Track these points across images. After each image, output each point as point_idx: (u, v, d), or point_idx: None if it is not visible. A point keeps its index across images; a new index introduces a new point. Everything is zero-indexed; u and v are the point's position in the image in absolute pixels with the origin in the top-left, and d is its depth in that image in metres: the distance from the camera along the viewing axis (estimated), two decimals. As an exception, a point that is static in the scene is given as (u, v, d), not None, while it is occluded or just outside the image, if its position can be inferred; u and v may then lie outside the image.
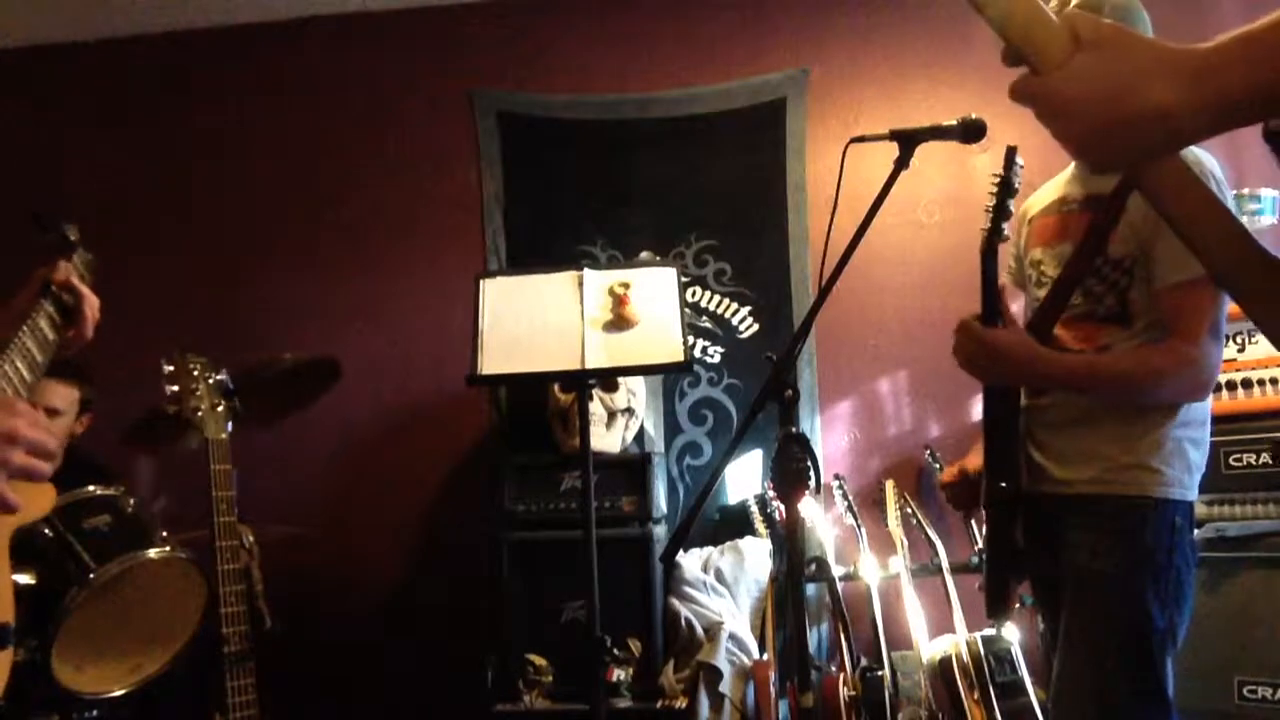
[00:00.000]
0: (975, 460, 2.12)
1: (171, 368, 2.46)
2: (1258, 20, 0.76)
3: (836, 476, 3.36)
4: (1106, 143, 0.81)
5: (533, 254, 3.77)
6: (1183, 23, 3.09)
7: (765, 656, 3.00)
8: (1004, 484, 1.93)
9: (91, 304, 1.61)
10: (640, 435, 3.40)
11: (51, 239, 1.64)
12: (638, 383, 3.32)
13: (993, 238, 1.89)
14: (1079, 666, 1.85)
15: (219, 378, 2.53)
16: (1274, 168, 3.14)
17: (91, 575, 2.21)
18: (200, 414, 2.45)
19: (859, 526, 3.19)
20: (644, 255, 3.54)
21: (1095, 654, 1.83)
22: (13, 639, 1.46)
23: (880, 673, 2.92)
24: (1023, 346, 1.81)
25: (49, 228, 1.64)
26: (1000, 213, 1.88)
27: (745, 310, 3.68)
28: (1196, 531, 2.56)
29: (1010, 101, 0.84)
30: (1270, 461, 2.63)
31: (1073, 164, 2.05)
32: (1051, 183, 2.11)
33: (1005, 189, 1.89)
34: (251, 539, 2.58)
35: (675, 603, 3.14)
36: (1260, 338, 2.75)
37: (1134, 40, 0.80)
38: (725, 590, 3.21)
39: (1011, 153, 1.89)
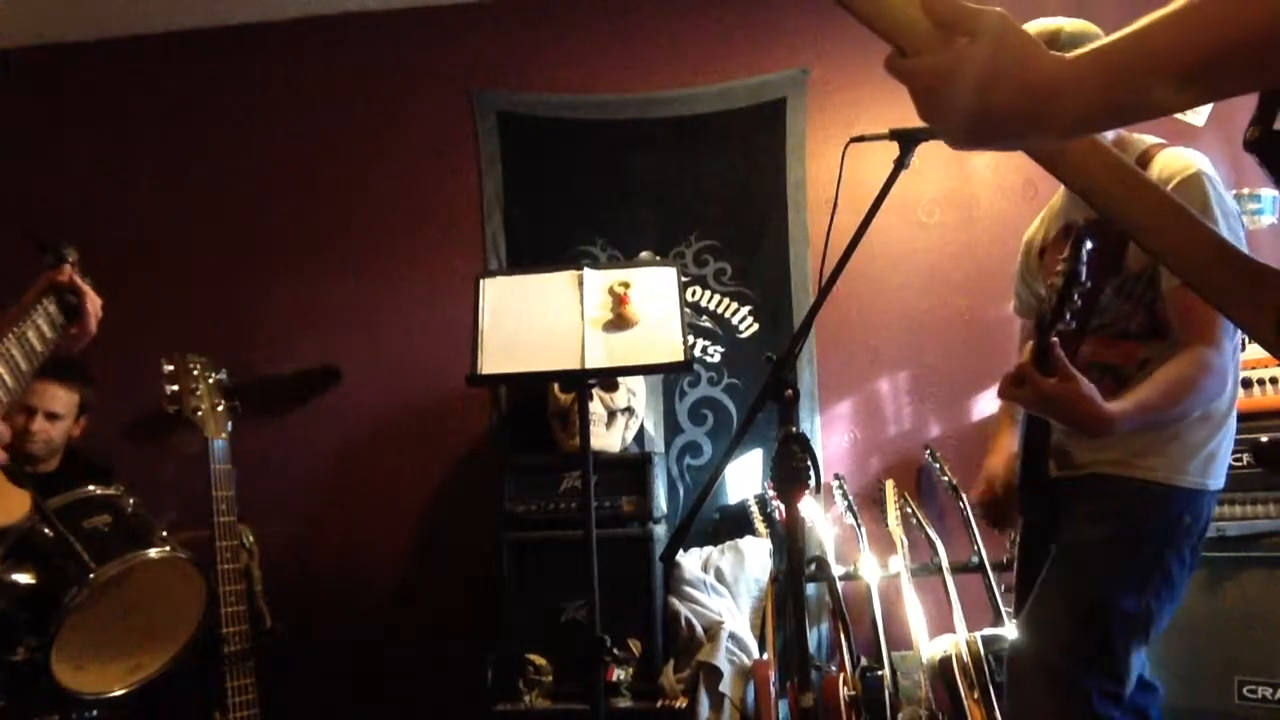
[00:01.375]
0: (993, 477, 2.11)
1: (171, 368, 2.47)
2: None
3: (836, 476, 3.36)
4: (992, 114, 0.81)
5: (533, 254, 3.77)
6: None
7: (765, 656, 3.00)
8: (1037, 486, 1.93)
9: (94, 301, 1.67)
10: (640, 435, 3.40)
11: (48, 259, 1.68)
12: (638, 382, 3.32)
13: (1054, 323, 1.68)
14: (1037, 621, 1.86)
15: (219, 377, 2.54)
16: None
17: (91, 575, 2.21)
18: (200, 414, 2.45)
19: (859, 526, 3.19)
20: (644, 255, 3.55)
21: (1054, 615, 1.84)
22: None
23: (880, 673, 2.92)
24: (1086, 405, 1.65)
25: (47, 248, 1.68)
26: (1064, 303, 1.65)
27: (745, 310, 3.68)
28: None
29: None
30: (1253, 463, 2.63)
31: (1062, 190, 2.05)
32: (1048, 211, 2.11)
33: (1073, 281, 1.65)
34: (251, 539, 2.59)
35: (675, 602, 3.14)
36: (1260, 337, 2.75)
37: (1020, 30, 0.81)
38: (725, 590, 3.21)
39: (1080, 239, 1.67)
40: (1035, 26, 1.91)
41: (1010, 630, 2.82)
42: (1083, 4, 2.12)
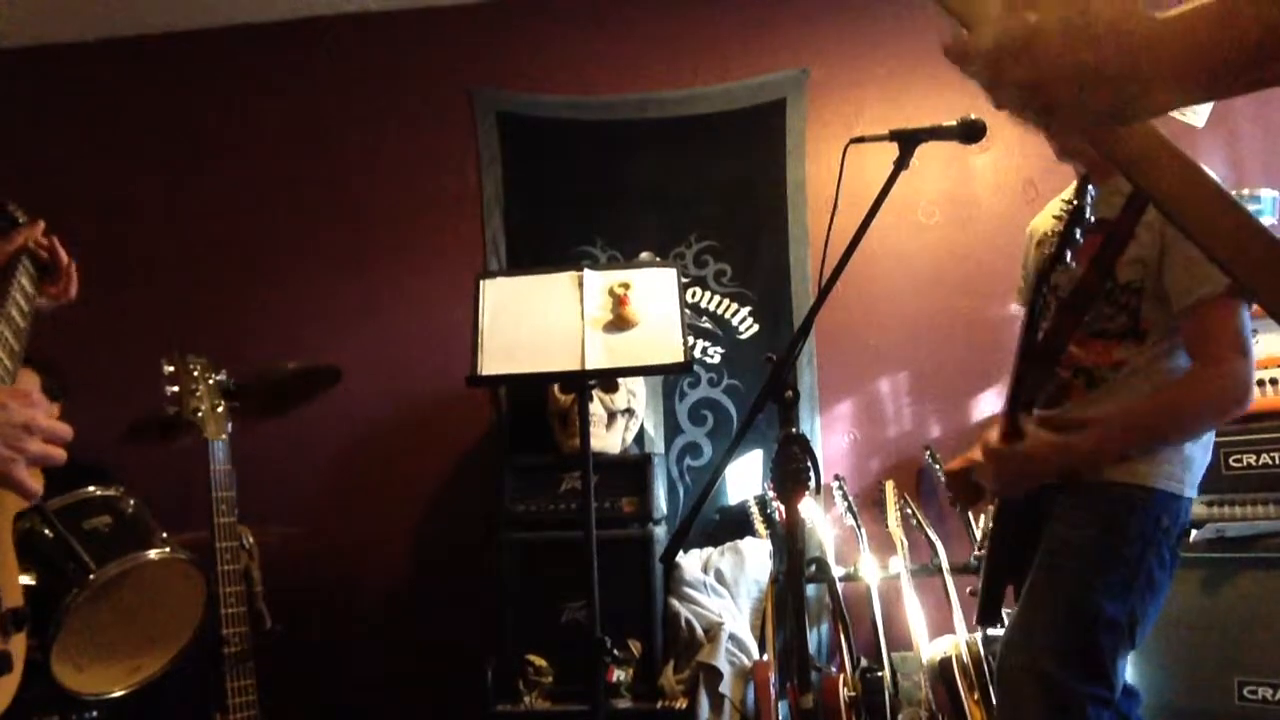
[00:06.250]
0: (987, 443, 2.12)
1: (171, 368, 2.46)
2: None
3: (836, 477, 3.36)
4: (1063, 87, 0.74)
5: (533, 254, 3.76)
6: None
7: (765, 657, 3.00)
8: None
9: (67, 263, 1.66)
10: (640, 435, 3.40)
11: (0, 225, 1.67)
12: (638, 383, 3.32)
13: (1054, 265, 1.75)
14: (1027, 628, 1.87)
15: (219, 378, 2.53)
16: (1274, 168, 3.14)
17: (91, 576, 2.21)
18: (200, 414, 2.45)
19: (859, 527, 3.19)
20: (644, 255, 3.54)
21: (1043, 622, 1.85)
22: (29, 620, 1.49)
23: (880, 673, 2.92)
24: (1052, 444, 1.77)
25: None
26: (1068, 241, 1.73)
27: (745, 310, 3.68)
28: (1196, 532, 2.58)
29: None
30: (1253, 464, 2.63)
31: (1075, 184, 2.05)
32: (1056, 203, 2.11)
33: (1078, 217, 1.72)
34: (251, 539, 2.58)
35: (675, 603, 3.14)
36: (1261, 337, 2.74)
37: None
38: (725, 591, 3.21)
39: (1085, 182, 1.75)
40: None
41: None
42: None
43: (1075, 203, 1.73)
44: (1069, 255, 1.75)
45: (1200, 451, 1.88)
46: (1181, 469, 1.84)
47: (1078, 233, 1.74)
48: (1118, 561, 1.82)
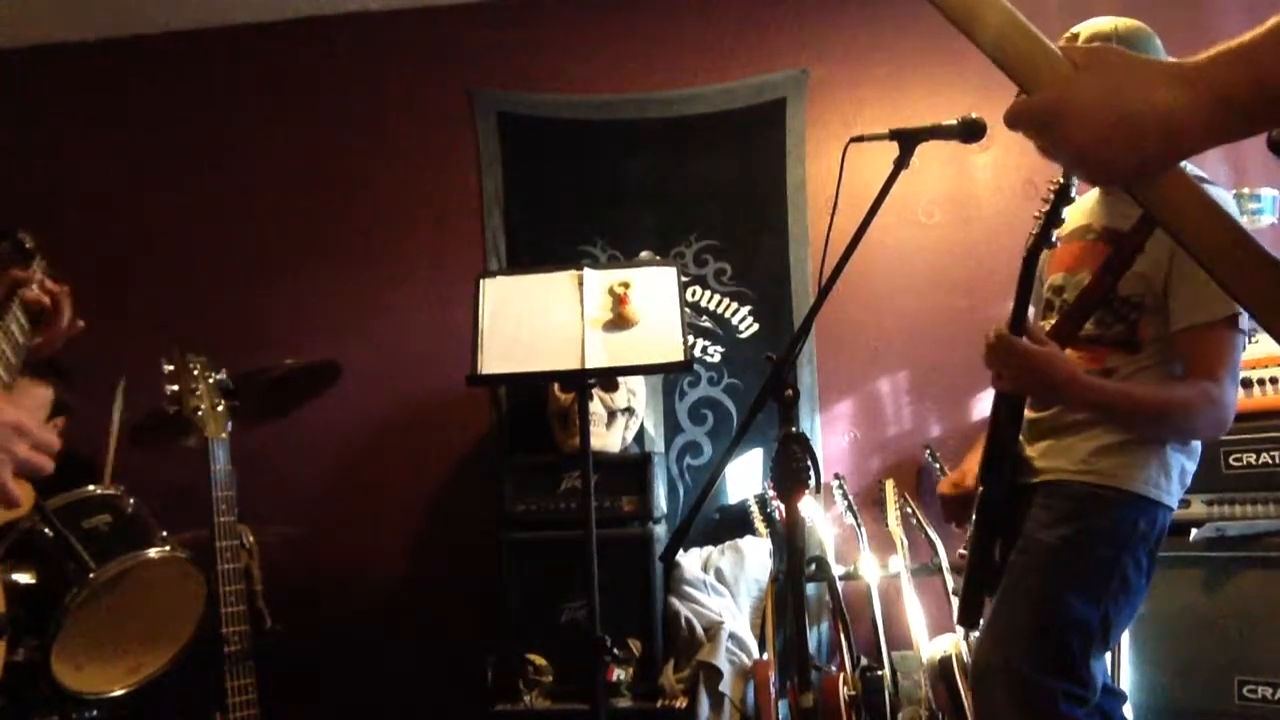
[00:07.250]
0: (972, 471, 2.13)
1: (171, 367, 2.46)
2: (1256, 27, 0.76)
3: (836, 476, 3.36)
4: (1108, 148, 0.80)
5: (533, 254, 3.76)
6: (1183, 24, 3.09)
7: (765, 656, 3.00)
8: (993, 491, 1.94)
9: (65, 306, 1.62)
10: (640, 435, 3.41)
11: (4, 248, 1.65)
12: (638, 382, 3.32)
13: (1040, 243, 1.85)
14: (999, 627, 1.88)
15: (219, 377, 2.53)
16: (1274, 168, 3.14)
17: (91, 575, 2.22)
18: (200, 414, 2.45)
19: (859, 526, 3.19)
20: (644, 255, 3.54)
21: (1014, 621, 1.85)
22: (7, 629, 1.48)
23: (880, 673, 2.92)
24: (1064, 365, 1.79)
25: (6, 236, 1.65)
26: (1052, 219, 1.83)
27: (745, 310, 3.68)
28: (1197, 531, 2.57)
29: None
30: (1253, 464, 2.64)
31: (1098, 190, 2.05)
32: (1075, 207, 2.11)
33: (1062, 196, 1.82)
34: (251, 539, 2.58)
35: (675, 602, 3.14)
36: (1260, 337, 2.74)
37: (1130, 55, 0.82)
38: (725, 590, 3.21)
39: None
40: (1088, 27, 1.91)
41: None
42: (1131, 4, 2.13)
43: (1062, 181, 1.79)
44: (1054, 236, 1.83)
45: (1187, 460, 1.89)
46: (1161, 475, 1.84)
47: (1063, 211, 1.81)
48: (1090, 562, 1.82)
